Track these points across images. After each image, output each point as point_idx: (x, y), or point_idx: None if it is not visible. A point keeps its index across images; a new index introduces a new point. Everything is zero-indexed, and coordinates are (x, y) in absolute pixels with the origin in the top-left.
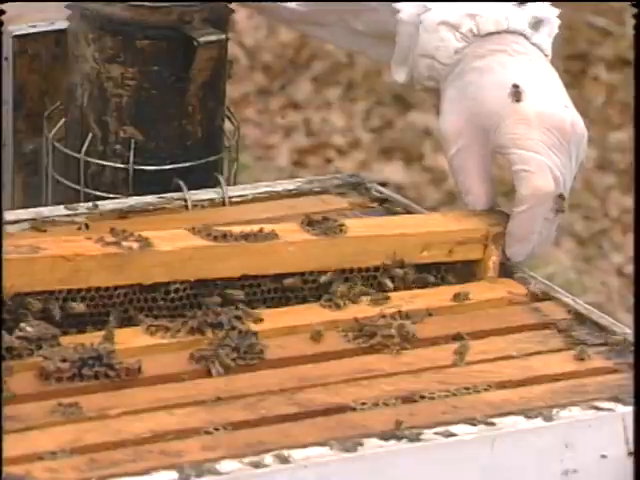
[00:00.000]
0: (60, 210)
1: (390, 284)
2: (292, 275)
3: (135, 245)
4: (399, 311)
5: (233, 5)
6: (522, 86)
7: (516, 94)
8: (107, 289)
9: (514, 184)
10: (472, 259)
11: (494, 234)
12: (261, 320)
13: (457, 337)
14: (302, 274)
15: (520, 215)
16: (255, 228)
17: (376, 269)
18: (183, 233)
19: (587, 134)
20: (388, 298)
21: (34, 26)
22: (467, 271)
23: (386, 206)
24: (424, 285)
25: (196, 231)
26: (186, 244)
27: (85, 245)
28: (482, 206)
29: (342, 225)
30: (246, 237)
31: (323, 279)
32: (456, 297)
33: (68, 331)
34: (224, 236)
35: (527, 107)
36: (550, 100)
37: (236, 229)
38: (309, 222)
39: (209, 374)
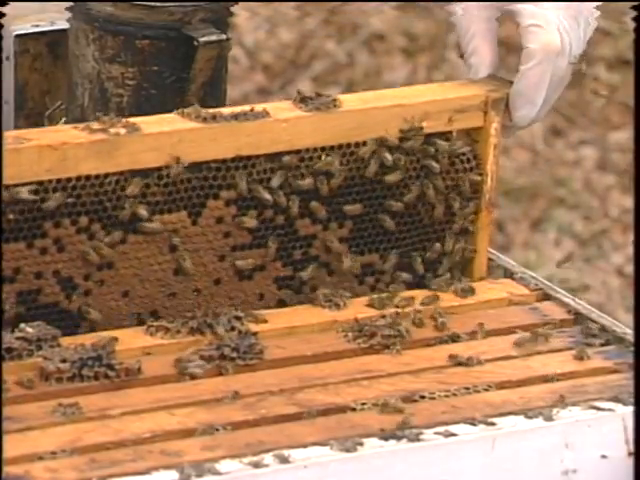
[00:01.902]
0: None
1: (390, 157)
2: (288, 153)
3: (123, 130)
4: (399, 311)
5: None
6: None
7: None
8: (97, 177)
9: (522, 41)
10: (473, 127)
11: (494, 99)
12: (262, 321)
13: (455, 338)
14: (298, 152)
15: (529, 72)
16: (246, 108)
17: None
18: (171, 117)
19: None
20: (389, 298)
21: (35, 26)
22: (469, 140)
23: None
24: (426, 156)
25: (185, 114)
26: (175, 127)
27: (72, 133)
28: (486, 68)
29: (336, 100)
30: (236, 117)
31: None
32: (463, 293)
33: (61, 222)
34: (214, 117)
35: None
36: None
37: (226, 110)
38: (301, 99)
39: (209, 374)
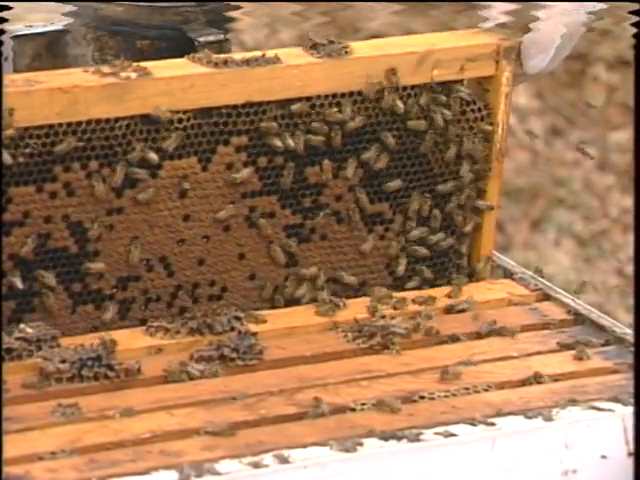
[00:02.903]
0: None
1: (401, 105)
2: (299, 100)
3: (134, 74)
4: (398, 312)
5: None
6: None
7: None
8: (108, 121)
9: None
10: (485, 75)
11: (506, 48)
12: (262, 321)
13: (454, 338)
14: (309, 98)
15: (545, 22)
16: (257, 53)
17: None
18: (182, 61)
19: None
20: (390, 297)
21: (34, 26)
22: (480, 90)
23: None
24: (438, 104)
25: (196, 59)
26: (186, 72)
27: (82, 77)
28: (499, 16)
29: (347, 47)
30: (248, 62)
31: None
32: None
33: (71, 166)
34: (225, 62)
35: None
36: None
37: (237, 55)
38: (313, 45)
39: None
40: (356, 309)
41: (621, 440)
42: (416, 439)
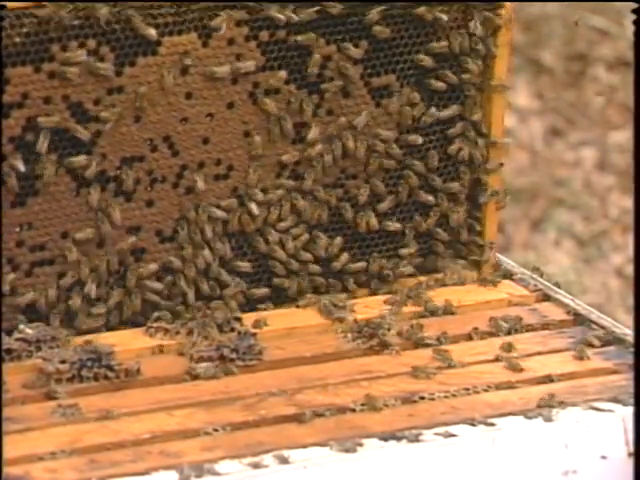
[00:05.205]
0: None
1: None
2: None
3: None
4: (398, 312)
5: None
6: None
7: None
8: None
9: None
10: None
11: None
12: (262, 322)
13: (454, 339)
14: None
15: None
16: None
17: None
18: None
19: None
20: (391, 294)
21: None
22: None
23: None
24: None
25: None
26: None
27: None
28: None
29: None
30: None
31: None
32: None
33: (68, 45)
34: None
35: None
36: None
37: None
38: None
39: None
40: (356, 310)
41: (621, 440)
42: (416, 439)
